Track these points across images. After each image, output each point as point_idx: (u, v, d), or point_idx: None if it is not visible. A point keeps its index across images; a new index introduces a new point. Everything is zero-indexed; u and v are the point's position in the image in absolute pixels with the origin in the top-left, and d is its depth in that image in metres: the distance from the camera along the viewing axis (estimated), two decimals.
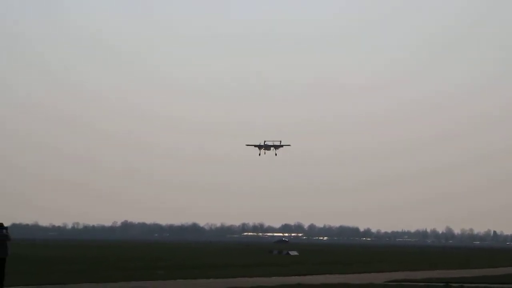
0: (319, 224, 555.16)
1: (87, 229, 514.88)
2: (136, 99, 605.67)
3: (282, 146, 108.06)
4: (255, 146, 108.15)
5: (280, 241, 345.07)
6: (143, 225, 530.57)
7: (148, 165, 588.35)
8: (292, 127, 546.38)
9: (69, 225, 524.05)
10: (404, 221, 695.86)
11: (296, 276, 56.94)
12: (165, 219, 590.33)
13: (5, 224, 43.95)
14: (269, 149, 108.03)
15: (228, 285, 44.70)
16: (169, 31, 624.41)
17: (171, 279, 51.09)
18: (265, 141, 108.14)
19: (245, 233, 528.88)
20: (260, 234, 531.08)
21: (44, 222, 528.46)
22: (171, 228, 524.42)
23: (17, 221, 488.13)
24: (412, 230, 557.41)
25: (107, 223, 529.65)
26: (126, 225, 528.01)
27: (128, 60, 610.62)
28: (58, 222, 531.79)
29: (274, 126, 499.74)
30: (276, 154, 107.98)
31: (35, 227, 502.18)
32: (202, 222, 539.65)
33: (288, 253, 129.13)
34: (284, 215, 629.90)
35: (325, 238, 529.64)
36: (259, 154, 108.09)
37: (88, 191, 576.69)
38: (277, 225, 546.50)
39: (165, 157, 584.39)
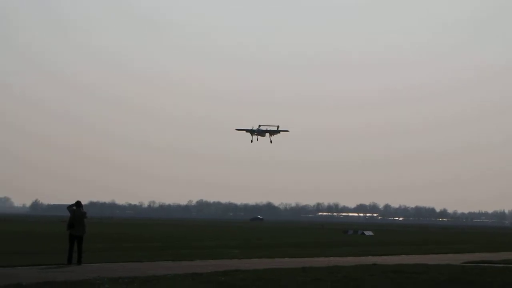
0: (395, 204, 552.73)
1: (162, 207, 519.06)
2: (204, 80, 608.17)
3: (279, 132, 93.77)
4: (247, 131, 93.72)
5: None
6: (218, 204, 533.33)
7: (223, 145, 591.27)
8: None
9: (145, 204, 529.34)
10: (482, 202, 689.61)
11: (372, 256, 56.68)
12: (240, 199, 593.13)
13: (83, 203, 44.54)
14: (264, 135, 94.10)
15: (304, 264, 44.65)
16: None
17: (247, 258, 51.20)
18: (259, 125, 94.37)
19: (319, 213, 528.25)
20: (335, 214, 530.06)
21: (120, 200, 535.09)
22: (246, 207, 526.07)
23: (95, 200, 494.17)
24: (490, 211, 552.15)
25: (183, 202, 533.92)
26: (202, 204, 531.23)
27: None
28: (134, 201, 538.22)
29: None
30: (271, 141, 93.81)
31: (112, 206, 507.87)
32: (276, 202, 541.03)
33: (363, 233, 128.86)
34: (359, 195, 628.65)
35: (401, 218, 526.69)
36: (251, 141, 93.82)
37: (164, 171, 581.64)
38: (352, 205, 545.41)
39: (240, 136, 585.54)
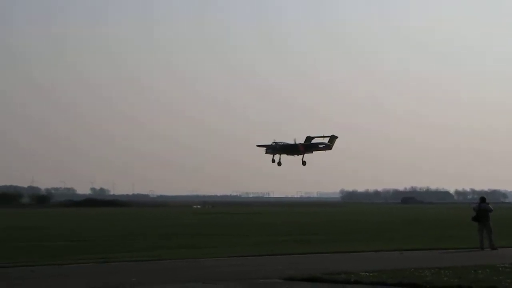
0: None
1: None
2: None
3: (322, 146, 50.46)
4: (266, 148, 51.25)
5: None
6: None
7: None
8: None
9: None
10: None
11: None
12: None
13: None
14: (292, 153, 50.60)
15: None
16: None
17: None
18: (295, 140, 50.32)
19: None
20: None
21: None
22: None
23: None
24: None
25: None
26: None
27: None
28: None
29: None
30: (304, 163, 50.72)
31: None
32: None
33: None
34: None
35: None
36: (273, 161, 50.76)
37: None
38: None
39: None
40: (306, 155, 50.13)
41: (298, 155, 50.29)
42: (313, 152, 50.44)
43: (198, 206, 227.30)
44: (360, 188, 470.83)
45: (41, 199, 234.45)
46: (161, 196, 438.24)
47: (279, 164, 50.49)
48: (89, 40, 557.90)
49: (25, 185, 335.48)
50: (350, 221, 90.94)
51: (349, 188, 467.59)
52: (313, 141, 50.93)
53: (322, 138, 50.47)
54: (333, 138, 50.05)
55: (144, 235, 61.01)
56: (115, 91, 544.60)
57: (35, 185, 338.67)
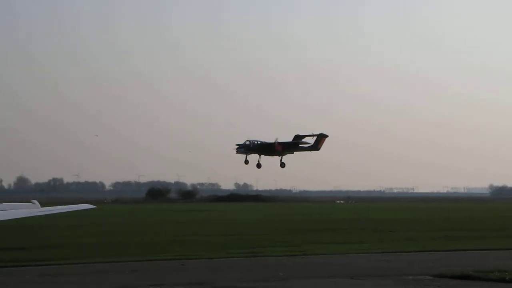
0: None
1: None
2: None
3: (306, 146, 46.24)
4: (238, 149, 46.22)
5: None
6: None
7: None
8: None
9: None
10: None
11: None
12: None
13: None
14: (269, 153, 45.92)
15: None
16: None
17: None
18: (277, 139, 45.95)
19: None
20: None
21: None
22: None
23: None
24: None
25: None
26: None
27: None
28: None
29: None
30: (282, 165, 46.21)
31: None
32: None
33: None
34: None
35: None
36: (246, 162, 46.05)
37: None
38: None
39: None
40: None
41: (277, 155, 45.93)
42: (295, 152, 46.02)
43: (341, 202, 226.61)
44: (511, 183, 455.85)
45: (187, 194, 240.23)
46: (303, 192, 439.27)
47: (259, 166, 46.05)
48: None
49: (172, 181, 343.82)
50: (500, 217, 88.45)
51: (499, 183, 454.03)
52: (303, 140, 46.10)
53: (312, 138, 45.84)
54: (321, 137, 45.78)
55: (290, 230, 61.46)
56: (251, 91, 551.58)
57: (181, 180, 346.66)
